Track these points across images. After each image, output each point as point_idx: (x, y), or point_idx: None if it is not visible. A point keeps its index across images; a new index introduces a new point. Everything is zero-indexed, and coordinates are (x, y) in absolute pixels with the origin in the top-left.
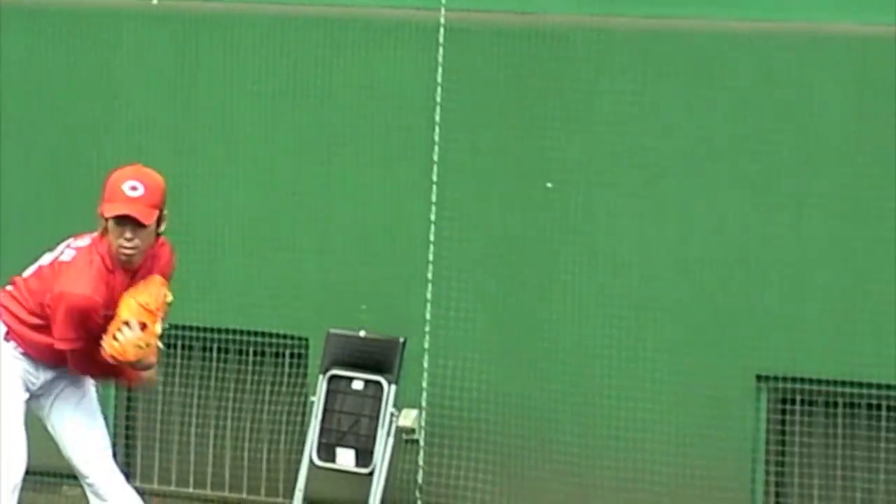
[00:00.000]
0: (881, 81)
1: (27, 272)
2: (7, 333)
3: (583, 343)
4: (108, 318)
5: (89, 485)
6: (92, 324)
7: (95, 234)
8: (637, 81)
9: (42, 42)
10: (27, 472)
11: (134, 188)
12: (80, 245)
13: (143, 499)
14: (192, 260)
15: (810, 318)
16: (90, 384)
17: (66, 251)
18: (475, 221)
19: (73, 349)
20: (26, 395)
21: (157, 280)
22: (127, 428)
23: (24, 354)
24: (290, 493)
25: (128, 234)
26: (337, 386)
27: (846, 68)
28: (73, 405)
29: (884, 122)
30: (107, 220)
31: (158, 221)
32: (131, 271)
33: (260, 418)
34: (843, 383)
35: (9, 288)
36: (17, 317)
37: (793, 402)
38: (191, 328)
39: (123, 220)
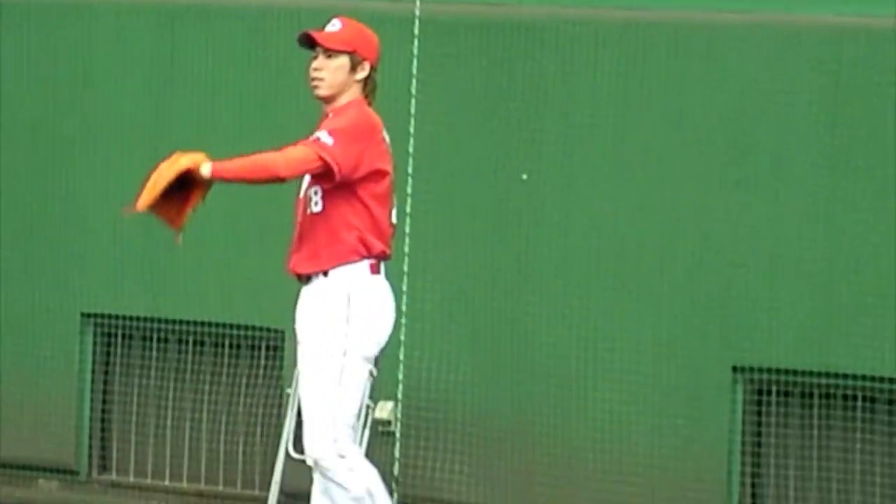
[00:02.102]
0: (856, 71)
1: None
2: None
3: (559, 335)
4: None
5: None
6: None
7: None
8: (613, 73)
9: (18, 36)
10: (2, 465)
11: (333, 24)
12: None
13: (119, 492)
14: (168, 251)
15: (786, 310)
16: None
17: None
18: (451, 214)
19: None
20: None
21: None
22: (103, 420)
23: None
24: (266, 486)
25: (315, 63)
26: None
27: (823, 58)
28: None
29: (860, 112)
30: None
31: (354, 67)
32: (325, 114)
33: (236, 410)
34: (819, 374)
35: None
36: None
37: (769, 392)
38: (166, 320)
39: (303, 42)
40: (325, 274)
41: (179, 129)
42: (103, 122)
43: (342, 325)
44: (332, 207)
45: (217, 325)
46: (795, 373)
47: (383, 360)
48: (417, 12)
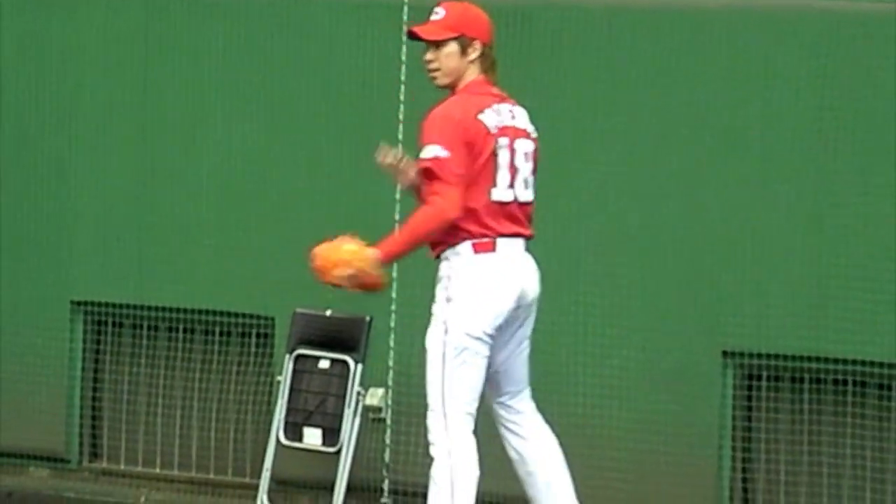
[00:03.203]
0: (845, 58)
1: None
2: None
3: (550, 320)
4: None
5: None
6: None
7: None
8: (600, 60)
9: (4, 23)
10: None
11: (436, 13)
12: None
13: (110, 480)
14: (158, 240)
15: (776, 295)
16: None
17: None
18: None
19: None
20: None
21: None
22: (94, 409)
23: None
24: (257, 473)
25: (427, 56)
26: (303, 365)
27: (811, 45)
28: None
29: (848, 99)
30: None
31: (464, 49)
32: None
33: (226, 398)
34: (810, 359)
35: None
36: None
37: (759, 377)
38: (157, 308)
39: (412, 39)
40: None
41: (168, 117)
42: (93, 112)
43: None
44: None
45: (207, 312)
46: (786, 357)
47: (373, 347)
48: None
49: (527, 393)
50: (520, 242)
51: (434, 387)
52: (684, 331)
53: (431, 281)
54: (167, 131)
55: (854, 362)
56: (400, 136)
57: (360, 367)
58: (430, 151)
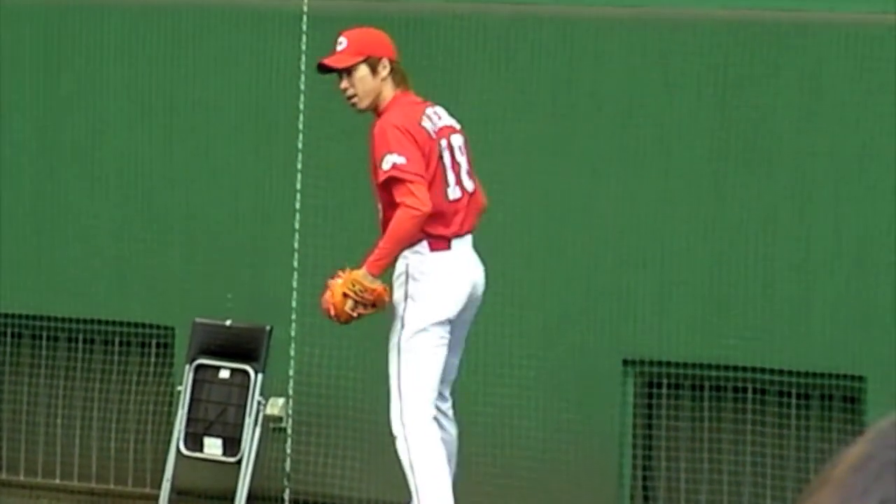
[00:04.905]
0: (741, 63)
1: None
2: None
3: None
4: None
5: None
6: None
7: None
8: (502, 68)
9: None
10: None
11: (340, 43)
12: None
13: (9, 491)
14: (58, 248)
15: (675, 303)
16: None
17: None
18: (340, 209)
19: None
20: None
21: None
22: None
23: None
24: (157, 484)
25: (342, 85)
26: (203, 375)
27: (708, 52)
28: None
29: (745, 104)
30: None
31: (374, 70)
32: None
33: (126, 408)
34: (710, 367)
35: None
36: None
37: (659, 385)
38: (55, 318)
39: (322, 72)
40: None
41: (68, 123)
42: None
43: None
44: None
45: (107, 322)
46: (686, 365)
47: (274, 357)
48: (305, 8)
49: (454, 382)
50: (469, 240)
51: (393, 379)
52: (585, 339)
53: None
54: (67, 138)
55: (754, 370)
56: (300, 146)
57: (260, 376)
58: (387, 162)
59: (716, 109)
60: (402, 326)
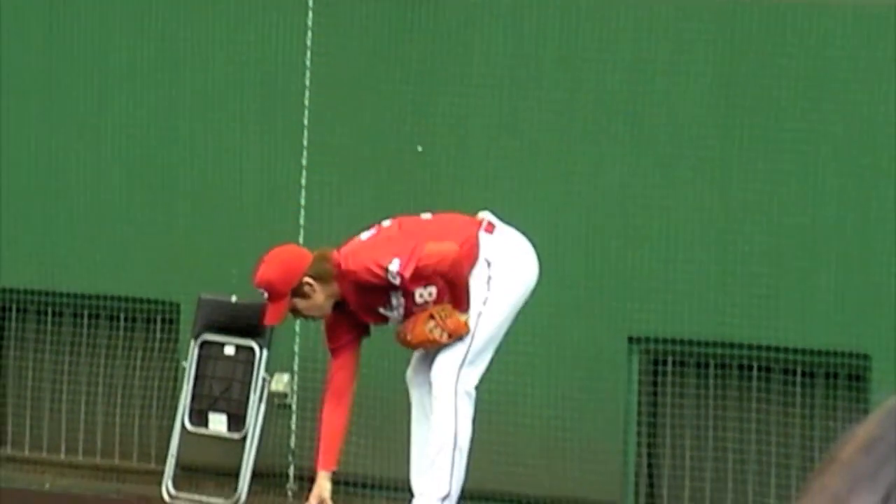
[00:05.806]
0: (748, 43)
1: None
2: None
3: None
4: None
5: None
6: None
7: None
8: (508, 47)
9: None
10: None
11: (263, 295)
12: None
13: (15, 466)
14: (63, 224)
15: (681, 280)
16: None
17: None
18: (346, 186)
19: None
20: None
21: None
22: None
23: None
24: (162, 459)
25: (299, 317)
26: (209, 351)
27: (715, 32)
28: None
29: (752, 84)
30: None
31: (304, 293)
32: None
33: (132, 384)
34: (715, 344)
35: None
36: None
37: (664, 363)
38: (61, 294)
39: (270, 325)
40: None
41: (73, 101)
42: None
43: None
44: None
45: (112, 298)
46: (691, 343)
47: (279, 333)
48: None
49: None
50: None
51: (460, 346)
52: (590, 316)
53: None
54: (71, 114)
55: (759, 347)
56: (305, 122)
57: (265, 352)
58: (393, 268)
59: (722, 88)
60: (485, 302)
